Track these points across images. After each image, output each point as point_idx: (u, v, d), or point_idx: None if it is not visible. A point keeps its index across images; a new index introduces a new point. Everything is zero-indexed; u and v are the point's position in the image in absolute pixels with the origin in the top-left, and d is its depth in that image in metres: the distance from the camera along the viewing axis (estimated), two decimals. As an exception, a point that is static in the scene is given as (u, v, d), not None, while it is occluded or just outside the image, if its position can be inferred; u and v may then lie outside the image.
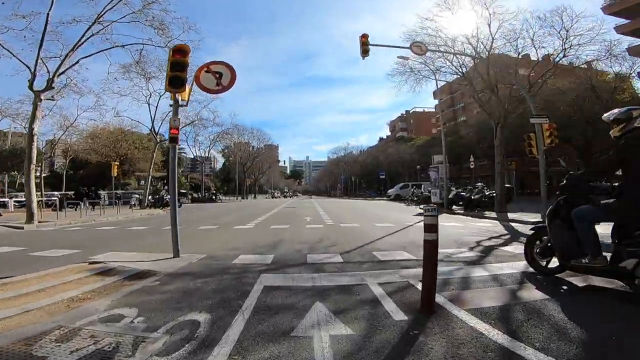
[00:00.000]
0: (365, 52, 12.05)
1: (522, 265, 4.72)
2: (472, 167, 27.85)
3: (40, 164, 31.76)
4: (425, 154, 48.10)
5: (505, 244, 7.15)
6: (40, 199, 22.82)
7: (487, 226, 10.59)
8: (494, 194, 16.33)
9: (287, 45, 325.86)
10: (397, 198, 36.45)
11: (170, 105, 6.07)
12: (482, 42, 15.32)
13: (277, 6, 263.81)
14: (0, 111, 24.99)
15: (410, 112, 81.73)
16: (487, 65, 15.16)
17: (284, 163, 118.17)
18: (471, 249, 6.54)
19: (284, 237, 8.29)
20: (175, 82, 5.75)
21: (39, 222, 13.08)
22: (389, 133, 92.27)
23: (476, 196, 16.82)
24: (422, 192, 29.41)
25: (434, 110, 70.48)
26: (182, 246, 6.63)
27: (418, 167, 47.34)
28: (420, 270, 3.58)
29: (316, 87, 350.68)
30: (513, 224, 11.36)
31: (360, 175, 69.85)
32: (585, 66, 19.95)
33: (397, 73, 18.34)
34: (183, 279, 4.37)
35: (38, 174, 34.31)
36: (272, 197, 71.63)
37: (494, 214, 14.02)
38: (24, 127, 28.03)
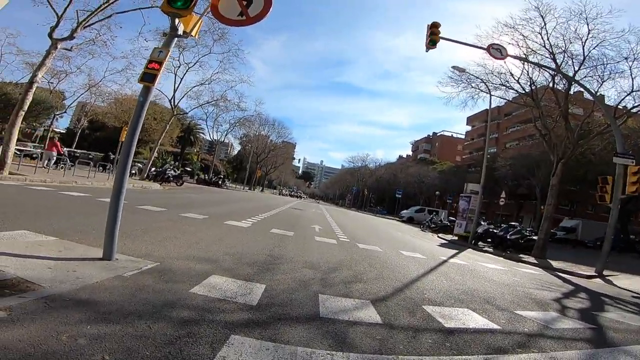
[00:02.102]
0: (432, 43, 9.82)
1: None
2: (502, 204, 25.33)
3: (51, 117, 30.57)
4: (447, 181, 45.49)
5: (596, 307, 5.64)
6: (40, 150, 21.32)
7: (537, 275, 9.06)
8: (534, 237, 14.78)
9: (321, 48, 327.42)
10: (410, 221, 34.32)
11: (165, 34, 3.93)
12: (569, 58, 12.67)
13: (323, 8, 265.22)
14: (31, 65, 23.46)
15: (438, 134, 78.68)
16: (567, 85, 12.60)
17: (299, 162, 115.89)
18: (561, 312, 4.66)
19: (286, 251, 6.02)
20: (178, -1, 3.69)
21: (10, 173, 11.22)
22: (410, 152, 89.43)
23: (513, 237, 14.88)
24: (441, 219, 27.26)
25: (463, 137, 67.61)
26: (132, 241, 4.50)
27: (437, 193, 44.64)
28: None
29: (341, 94, 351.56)
30: (566, 276, 9.88)
31: (373, 190, 67.11)
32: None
33: (449, 83, 16.03)
34: (66, 315, 2.15)
35: (48, 127, 33.33)
36: (280, 194, 69.64)
37: (531, 259, 12.56)
38: (49, 82, 26.93)
